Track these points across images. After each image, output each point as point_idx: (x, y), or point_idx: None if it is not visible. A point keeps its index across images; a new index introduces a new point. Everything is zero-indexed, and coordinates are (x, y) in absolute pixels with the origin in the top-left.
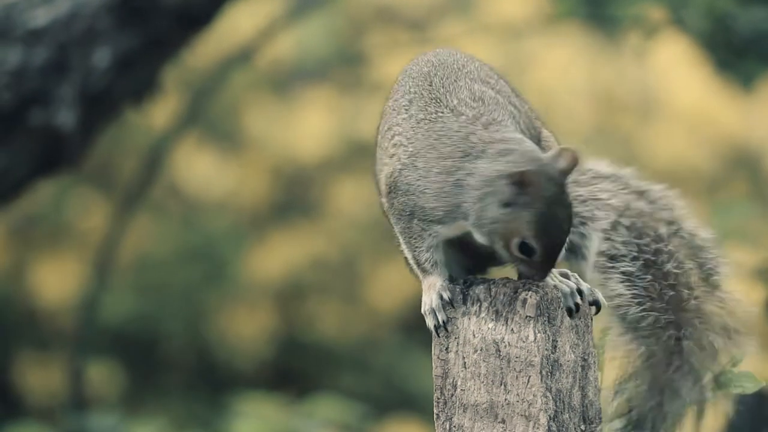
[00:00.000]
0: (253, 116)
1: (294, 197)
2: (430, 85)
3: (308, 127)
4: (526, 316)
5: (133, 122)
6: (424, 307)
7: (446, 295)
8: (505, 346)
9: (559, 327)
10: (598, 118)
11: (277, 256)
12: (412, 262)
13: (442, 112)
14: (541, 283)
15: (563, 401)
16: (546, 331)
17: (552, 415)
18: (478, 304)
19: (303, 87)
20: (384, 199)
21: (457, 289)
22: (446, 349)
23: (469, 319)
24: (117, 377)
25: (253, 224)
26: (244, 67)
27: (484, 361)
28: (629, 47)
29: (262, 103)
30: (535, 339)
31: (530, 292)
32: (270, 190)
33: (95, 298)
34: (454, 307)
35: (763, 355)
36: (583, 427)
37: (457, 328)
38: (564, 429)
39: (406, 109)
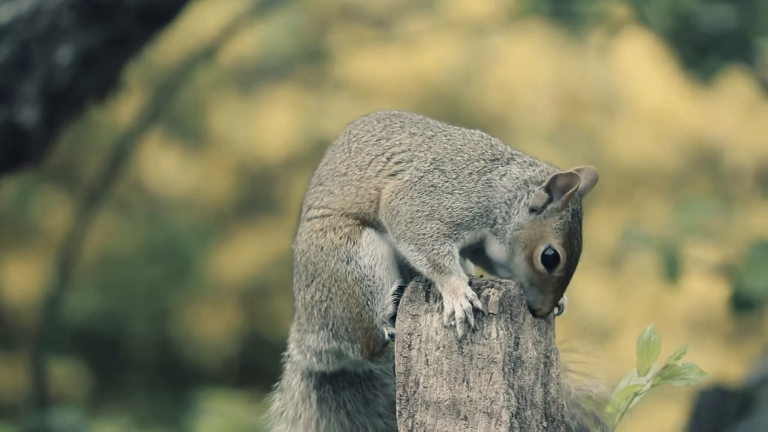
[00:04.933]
0: (217, 114)
1: (258, 195)
2: (405, 118)
3: (272, 124)
4: (489, 313)
5: (96, 120)
6: (453, 314)
7: (476, 302)
8: (468, 343)
9: (522, 324)
10: (561, 115)
11: (242, 254)
12: (426, 265)
13: (445, 129)
14: (503, 280)
15: (526, 398)
16: (508, 328)
17: (514, 412)
18: (441, 301)
19: (267, 84)
20: (383, 209)
21: (420, 287)
22: (409, 346)
23: (432, 316)
24: (81, 375)
25: (218, 222)
26: (208, 65)
27: (446, 358)
28: (593, 44)
29: (226, 100)
30: (498, 336)
31: (493, 289)
32: (234, 188)
33: (59, 296)
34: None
35: (726, 351)
36: (545, 424)
37: (420, 325)
38: (526, 426)
39: (401, 131)
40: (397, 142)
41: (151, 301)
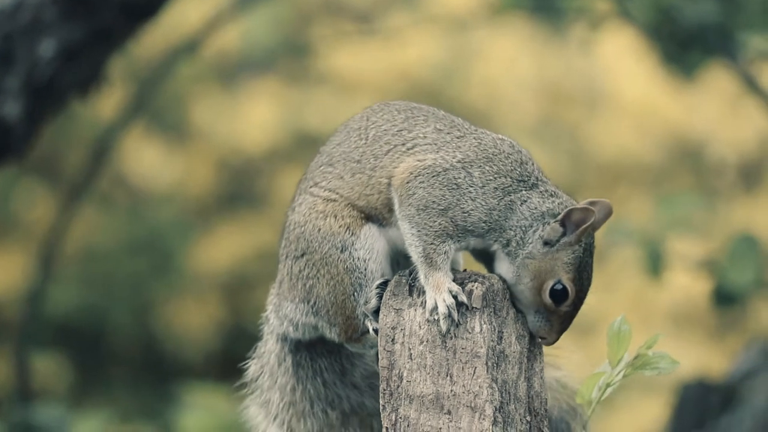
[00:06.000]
0: (199, 107)
1: (240, 188)
2: (428, 112)
3: (254, 118)
4: (472, 308)
5: (79, 113)
6: (435, 309)
7: (461, 296)
8: (451, 338)
9: (505, 318)
10: (544, 110)
11: (224, 247)
12: (419, 253)
13: (474, 132)
14: (486, 275)
15: (509, 392)
16: (492, 322)
17: (498, 406)
18: (425, 295)
19: (249, 78)
20: (399, 187)
21: (403, 281)
22: (392, 340)
23: (415, 310)
24: (63, 369)
25: (200, 215)
26: (191, 58)
27: (430, 352)
28: (575, 39)
29: (208, 94)
30: (481, 330)
31: (476, 284)
32: (216, 181)
33: (41, 290)
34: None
35: (709, 345)
36: (528, 418)
37: (404, 319)
38: (510, 420)
39: (425, 124)
40: (421, 135)
41: (133, 295)
